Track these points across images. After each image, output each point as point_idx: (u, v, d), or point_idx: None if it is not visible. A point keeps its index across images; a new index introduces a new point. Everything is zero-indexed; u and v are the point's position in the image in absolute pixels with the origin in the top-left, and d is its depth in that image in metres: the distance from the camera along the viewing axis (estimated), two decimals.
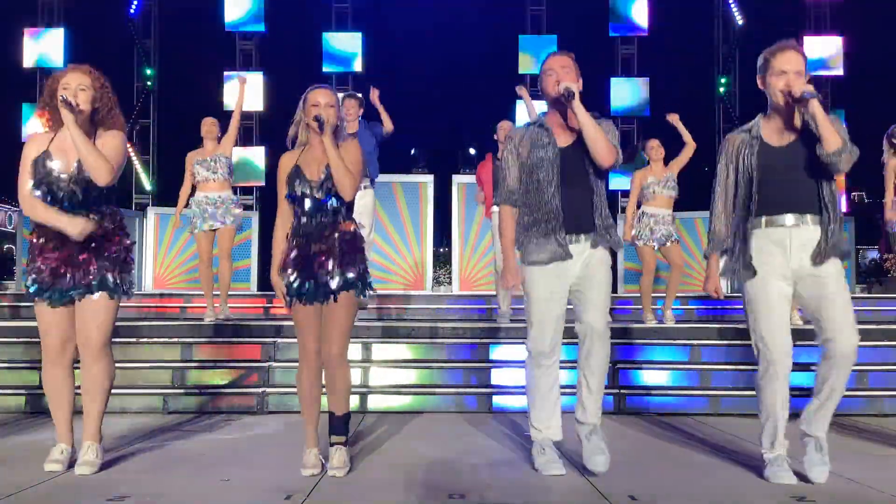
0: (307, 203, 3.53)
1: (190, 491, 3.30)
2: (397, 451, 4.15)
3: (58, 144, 3.57)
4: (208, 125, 6.63)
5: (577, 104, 3.44)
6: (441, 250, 10.60)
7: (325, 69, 13.10)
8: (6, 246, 17.47)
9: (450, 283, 10.14)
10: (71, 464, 3.58)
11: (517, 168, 3.64)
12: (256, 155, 12.16)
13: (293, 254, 3.54)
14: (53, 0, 12.96)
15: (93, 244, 3.56)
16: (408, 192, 9.58)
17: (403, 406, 5.40)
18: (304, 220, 3.54)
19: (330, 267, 3.50)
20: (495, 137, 6.89)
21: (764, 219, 3.43)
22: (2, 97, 14.11)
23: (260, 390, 5.39)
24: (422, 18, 14.69)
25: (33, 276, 3.55)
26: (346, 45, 13.11)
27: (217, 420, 5.05)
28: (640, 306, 7.95)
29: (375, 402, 5.42)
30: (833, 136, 3.24)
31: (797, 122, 3.45)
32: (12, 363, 5.61)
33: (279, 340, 5.80)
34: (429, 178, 9.81)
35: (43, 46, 12.83)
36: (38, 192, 3.51)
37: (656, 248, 6.78)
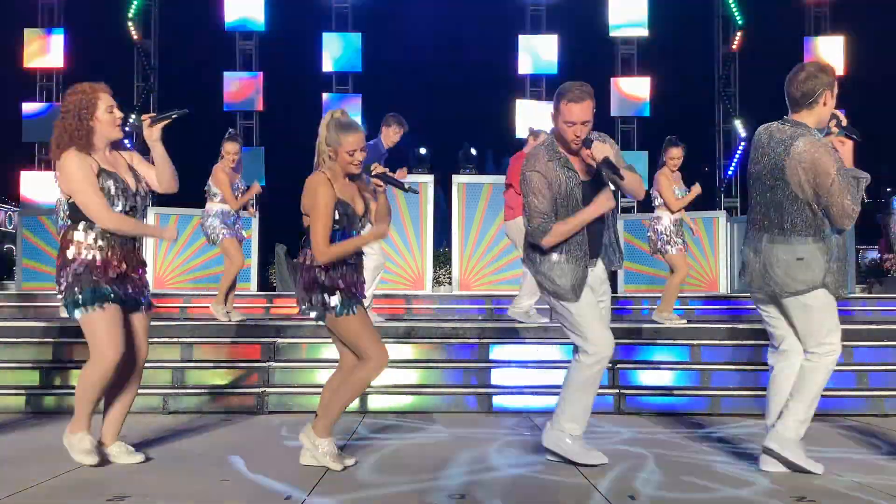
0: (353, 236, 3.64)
1: (190, 491, 3.30)
2: (397, 451, 4.15)
3: (104, 165, 3.60)
4: (237, 149, 6.63)
5: (619, 179, 3.50)
6: (441, 250, 10.58)
7: (325, 69, 13.10)
8: (6, 246, 17.47)
9: (450, 283, 10.12)
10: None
11: (549, 192, 3.57)
12: (256, 155, 12.15)
13: (350, 271, 3.61)
14: (53, 1, 12.96)
15: (139, 259, 3.73)
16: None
17: (403, 406, 5.40)
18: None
19: (364, 291, 3.74)
20: (529, 141, 6.78)
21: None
22: (1, 98, 14.12)
23: (260, 390, 5.38)
24: (421, 18, 14.69)
25: (101, 283, 3.51)
26: (346, 45, 13.12)
27: (217, 420, 5.05)
28: (640, 307, 7.97)
29: (375, 402, 5.42)
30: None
31: None
32: (13, 363, 5.61)
33: (279, 340, 5.80)
34: (429, 179, 9.80)
35: (44, 46, 12.85)
36: (120, 208, 3.59)
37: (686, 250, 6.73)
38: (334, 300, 3.54)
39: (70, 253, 3.55)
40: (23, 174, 13.23)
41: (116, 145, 3.76)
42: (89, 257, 3.54)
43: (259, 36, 13.11)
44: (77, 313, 3.52)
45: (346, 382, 3.65)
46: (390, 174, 3.80)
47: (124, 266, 3.60)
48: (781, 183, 3.47)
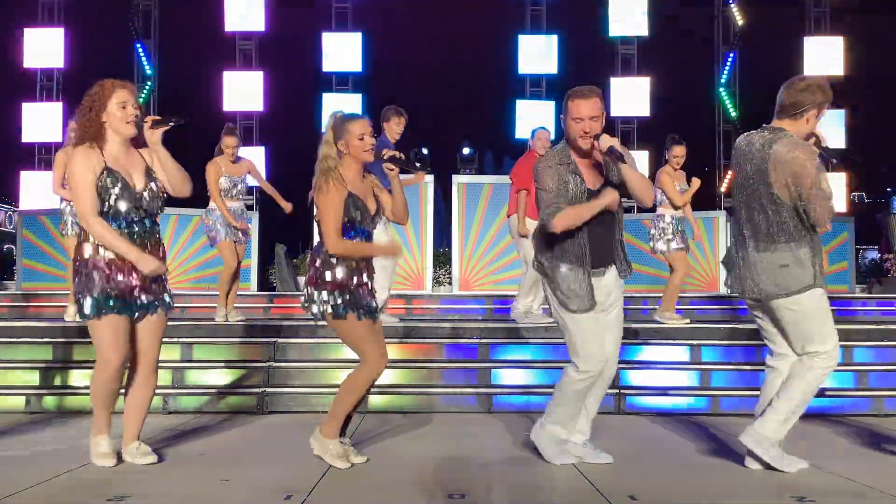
0: (365, 235, 3.69)
1: (190, 491, 3.31)
2: (397, 451, 4.15)
3: (112, 163, 3.52)
4: (236, 142, 6.75)
5: (624, 166, 3.44)
6: (441, 250, 10.59)
7: (325, 69, 13.11)
8: (6, 246, 17.47)
9: (450, 283, 10.13)
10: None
11: (556, 188, 3.55)
12: (256, 155, 12.15)
13: (355, 274, 3.61)
14: (53, 0, 12.96)
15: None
16: (408, 192, 9.53)
17: (403, 406, 5.39)
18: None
19: (371, 288, 3.73)
20: (530, 144, 6.87)
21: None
22: (1, 97, 14.11)
23: (260, 390, 5.38)
24: (421, 18, 14.69)
25: (106, 291, 3.47)
26: (346, 45, 13.12)
27: (217, 420, 5.05)
28: (640, 307, 7.96)
29: (375, 402, 5.41)
30: None
31: None
32: (13, 363, 5.61)
33: (279, 340, 5.79)
34: (429, 179, 9.80)
35: (43, 46, 12.84)
36: (124, 209, 3.50)
37: (687, 250, 6.73)
38: (336, 299, 3.55)
39: (86, 252, 3.52)
40: (23, 174, 13.23)
41: (138, 144, 3.64)
42: (101, 262, 3.50)
43: (259, 36, 13.12)
44: (86, 317, 3.52)
45: (344, 384, 3.68)
46: (400, 156, 3.81)
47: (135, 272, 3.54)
48: (763, 187, 3.45)
